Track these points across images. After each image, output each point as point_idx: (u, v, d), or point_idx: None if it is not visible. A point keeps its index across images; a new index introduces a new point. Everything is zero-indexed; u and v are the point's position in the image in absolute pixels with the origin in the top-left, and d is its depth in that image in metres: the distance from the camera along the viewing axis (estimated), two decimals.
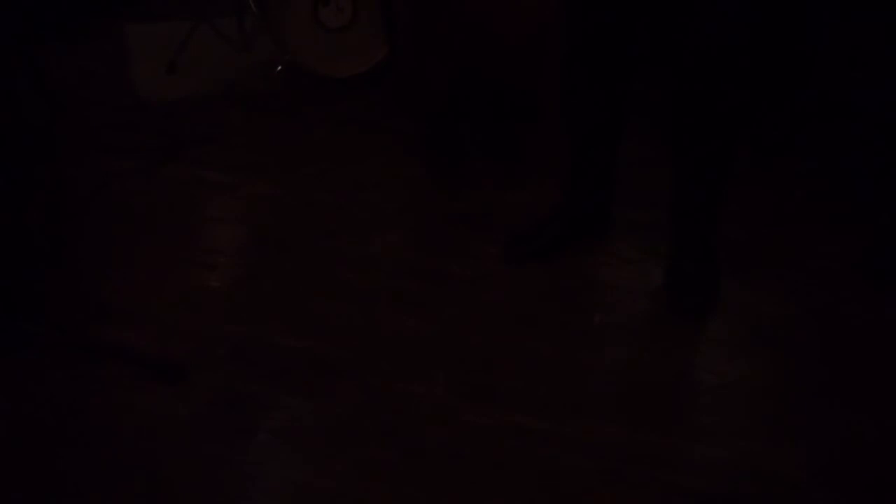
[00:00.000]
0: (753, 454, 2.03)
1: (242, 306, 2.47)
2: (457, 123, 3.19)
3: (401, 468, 2.01)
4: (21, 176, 2.89)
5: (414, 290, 2.52)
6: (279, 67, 3.48)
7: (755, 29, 2.90)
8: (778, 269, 2.57)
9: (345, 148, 3.16)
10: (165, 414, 2.14)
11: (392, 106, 3.35)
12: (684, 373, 2.30)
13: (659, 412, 2.16)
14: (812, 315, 2.41)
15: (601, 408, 2.15)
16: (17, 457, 2.05)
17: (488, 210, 2.82)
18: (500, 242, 2.63)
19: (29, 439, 2.09)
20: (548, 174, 2.89)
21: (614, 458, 2.03)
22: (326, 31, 3.39)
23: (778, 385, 2.22)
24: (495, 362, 2.28)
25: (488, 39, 3.08)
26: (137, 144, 3.12)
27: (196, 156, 3.08)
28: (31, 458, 2.04)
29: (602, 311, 2.45)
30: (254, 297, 2.51)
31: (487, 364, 2.28)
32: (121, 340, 2.31)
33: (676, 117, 2.33)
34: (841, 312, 2.42)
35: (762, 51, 3.11)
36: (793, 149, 3.12)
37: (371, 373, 2.25)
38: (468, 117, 3.22)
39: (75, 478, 1.99)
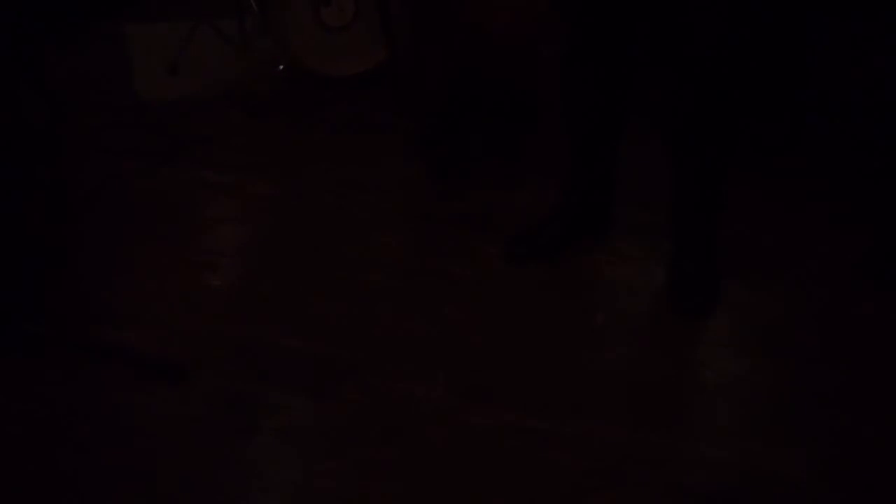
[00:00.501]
0: (754, 454, 2.03)
1: (243, 306, 2.47)
2: (457, 123, 3.19)
3: (401, 468, 2.01)
4: (21, 176, 2.89)
5: (414, 290, 2.52)
6: (280, 67, 3.48)
7: (754, 28, 2.92)
8: (778, 269, 2.56)
9: (345, 148, 3.16)
10: (165, 414, 2.13)
11: (392, 106, 3.34)
12: (685, 372, 2.29)
13: (659, 412, 2.15)
14: (812, 315, 2.41)
15: (602, 408, 2.15)
16: (16, 457, 2.05)
17: (488, 210, 2.82)
18: (500, 242, 2.63)
19: (28, 439, 2.08)
20: (548, 174, 2.88)
21: (615, 457, 2.02)
22: (328, 30, 3.39)
23: (778, 385, 2.22)
24: (496, 362, 2.28)
25: (488, 39, 3.07)
26: (138, 145, 3.12)
27: (197, 156, 3.08)
28: (30, 458, 2.04)
29: (603, 311, 2.45)
30: (254, 298, 2.51)
31: (488, 364, 2.27)
32: (121, 341, 2.31)
33: (676, 117, 2.33)
34: (841, 312, 2.42)
35: (762, 50, 3.11)
36: (793, 149, 3.12)
37: (371, 373, 2.24)
38: (468, 117, 3.22)
39: (75, 478, 1.99)
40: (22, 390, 2.21)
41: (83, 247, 2.66)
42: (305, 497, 1.97)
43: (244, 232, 2.82)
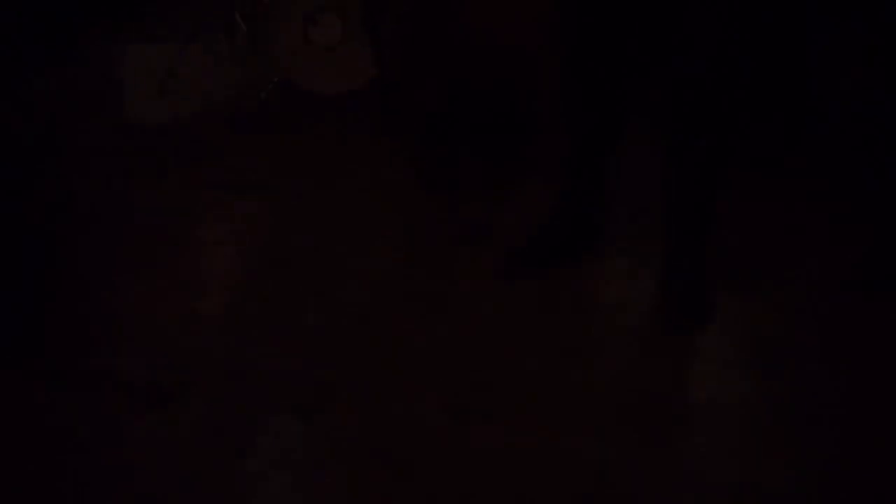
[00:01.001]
0: (749, 473, 1.98)
1: (235, 327, 2.45)
2: (451, 132, 3.17)
3: (393, 489, 1.97)
4: (13, 197, 2.90)
5: (408, 307, 2.48)
6: (270, 85, 3.47)
7: (754, 29, 2.89)
8: (778, 270, 2.54)
9: (337, 162, 3.14)
10: (156, 437, 2.11)
11: (385, 119, 3.32)
12: (678, 389, 2.25)
13: (652, 430, 2.11)
14: (812, 316, 2.38)
15: (595, 426, 2.11)
16: (16, 457, 2.05)
17: (482, 222, 2.79)
18: (495, 256, 2.60)
19: (28, 440, 2.09)
20: (543, 184, 2.85)
21: (607, 476, 1.98)
22: (317, 49, 3.39)
23: (774, 400, 2.17)
24: (488, 380, 2.24)
25: (483, 46, 3.06)
26: (129, 164, 3.11)
27: (188, 175, 3.06)
28: (30, 458, 2.04)
29: (595, 328, 2.41)
30: (246, 317, 2.48)
31: (480, 382, 2.24)
32: (111, 368, 2.29)
33: (675, 117, 2.32)
34: (841, 313, 2.38)
35: (762, 51, 3.08)
36: (793, 149, 3.09)
37: (363, 393, 2.21)
38: (463, 126, 3.19)
39: (75, 478, 1.99)
40: (22, 390, 2.21)
41: (72, 268, 2.65)
42: None
43: (235, 250, 2.80)
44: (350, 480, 2.00)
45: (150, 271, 2.65)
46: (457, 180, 3.01)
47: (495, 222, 2.79)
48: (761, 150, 3.05)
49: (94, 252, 2.74)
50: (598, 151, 2.52)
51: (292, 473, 2.03)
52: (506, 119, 3.19)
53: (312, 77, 3.41)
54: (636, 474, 1.99)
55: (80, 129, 3.31)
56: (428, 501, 1.95)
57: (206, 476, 2.02)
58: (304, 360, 2.31)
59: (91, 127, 3.32)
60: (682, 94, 2.27)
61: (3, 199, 2.88)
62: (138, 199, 2.95)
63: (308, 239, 2.77)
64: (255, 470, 2.04)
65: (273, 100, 3.44)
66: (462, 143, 3.15)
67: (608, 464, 2.01)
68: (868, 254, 2.56)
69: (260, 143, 3.26)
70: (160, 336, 2.41)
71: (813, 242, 2.64)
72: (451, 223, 2.80)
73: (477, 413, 2.14)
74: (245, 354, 2.34)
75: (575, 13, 2.35)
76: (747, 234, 2.67)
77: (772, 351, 2.29)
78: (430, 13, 3.09)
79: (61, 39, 3.72)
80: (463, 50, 3.08)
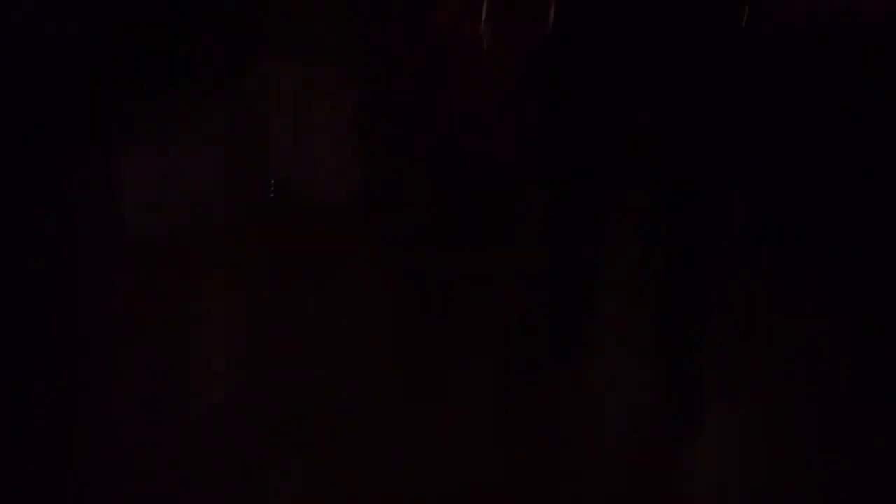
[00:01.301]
0: (749, 473, 1.99)
1: (235, 326, 2.46)
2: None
3: (393, 489, 1.97)
4: (13, 197, 2.89)
5: (408, 307, 2.48)
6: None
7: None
8: (777, 269, 2.55)
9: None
10: (156, 437, 2.11)
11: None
12: (678, 390, 2.23)
13: (652, 430, 2.12)
14: (811, 326, 2.38)
15: (594, 426, 2.12)
16: (16, 457, 2.04)
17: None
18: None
19: (28, 439, 2.09)
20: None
21: (607, 476, 1.99)
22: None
23: (774, 401, 2.17)
24: (488, 380, 2.24)
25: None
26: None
27: None
28: (30, 458, 2.04)
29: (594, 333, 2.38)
30: (246, 317, 2.49)
31: (480, 382, 2.24)
32: (111, 368, 2.30)
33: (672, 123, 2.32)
34: (841, 322, 2.38)
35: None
36: (793, 149, 3.09)
37: (363, 393, 2.22)
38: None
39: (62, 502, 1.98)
40: (22, 390, 2.20)
41: (72, 268, 2.64)
42: None
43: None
44: (350, 480, 2.00)
45: (150, 271, 2.66)
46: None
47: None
48: (761, 150, 3.05)
49: (93, 252, 2.74)
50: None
51: (293, 473, 2.03)
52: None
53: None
54: (636, 474, 1.99)
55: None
56: (428, 501, 1.95)
57: (206, 476, 2.02)
58: (303, 360, 2.31)
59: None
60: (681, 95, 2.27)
61: (3, 199, 2.88)
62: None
63: (308, 239, 2.78)
64: (256, 470, 2.04)
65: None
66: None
67: (607, 464, 2.01)
68: (867, 254, 2.57)
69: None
70: (160, 336, 2.41)
71: (813, 243, 2.64)
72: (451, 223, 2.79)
73: (477, 413, 2.15)
74: (245, 354, 2.34)
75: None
76: (748, 232, 2.68)
77: (772, 351, 2.29)
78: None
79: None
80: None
